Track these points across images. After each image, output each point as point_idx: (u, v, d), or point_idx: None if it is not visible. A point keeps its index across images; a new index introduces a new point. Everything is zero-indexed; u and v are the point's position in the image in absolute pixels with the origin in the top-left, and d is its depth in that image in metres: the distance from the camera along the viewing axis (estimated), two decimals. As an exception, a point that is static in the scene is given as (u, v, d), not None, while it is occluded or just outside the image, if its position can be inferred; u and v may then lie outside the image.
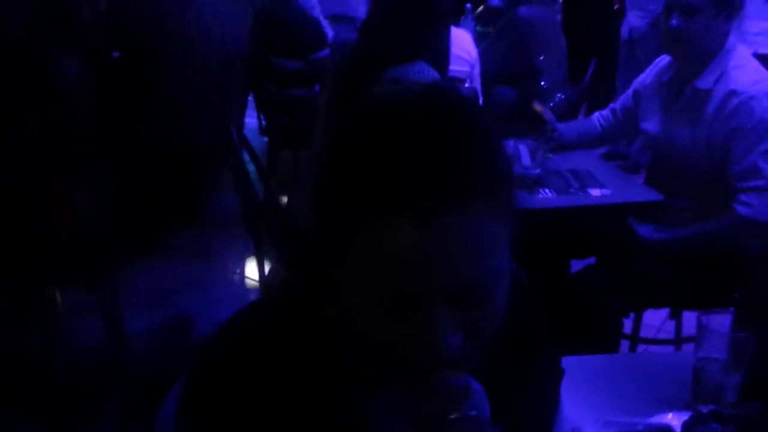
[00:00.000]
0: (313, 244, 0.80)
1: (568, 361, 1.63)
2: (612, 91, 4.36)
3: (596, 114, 2.80)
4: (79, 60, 2.60)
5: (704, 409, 1.26)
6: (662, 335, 2.99)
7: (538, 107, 2.58)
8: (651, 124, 2.47)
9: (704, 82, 2.25)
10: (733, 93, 2.18)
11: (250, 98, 4.59)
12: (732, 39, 2.28)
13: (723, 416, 1.22)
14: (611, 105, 2.74)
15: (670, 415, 1.25)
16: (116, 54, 3.38)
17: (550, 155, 2.57)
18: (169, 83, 3.46)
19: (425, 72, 2.19)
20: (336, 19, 4.37)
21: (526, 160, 2.34)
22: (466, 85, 2.67)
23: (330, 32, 4.12)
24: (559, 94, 3.50)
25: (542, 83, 3.48)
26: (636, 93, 2.59)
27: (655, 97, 2.47)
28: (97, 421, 1.56)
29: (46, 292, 2.31)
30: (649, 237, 2.31)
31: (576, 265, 2.58)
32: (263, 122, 5.15)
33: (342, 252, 0.74)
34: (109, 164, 2.87)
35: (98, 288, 2.58)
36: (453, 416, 0.74)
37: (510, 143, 2.40)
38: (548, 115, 2.62)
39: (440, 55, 2.36)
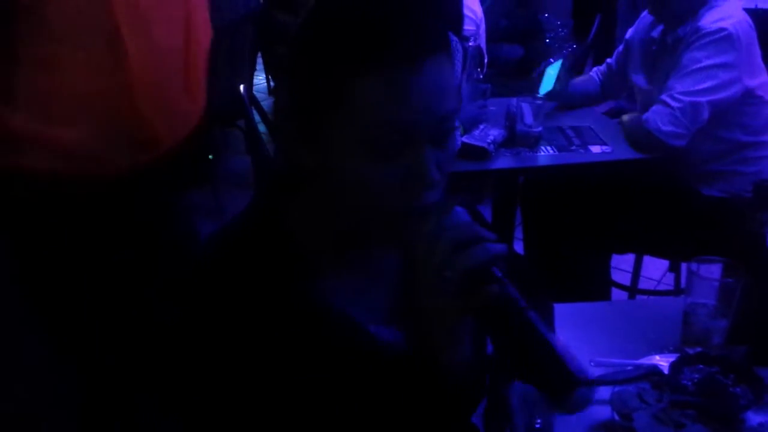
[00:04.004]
0: (291, 128, 0.90)
1: (564, 308, 1.71)
2: (613, 47, 4.37)
3: (594, 69, 2.84)
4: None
5: (692, 351, 1.33)
6: (662, 288, 3.07)
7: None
8: (638, 78, 2.52)
9: (684, 30, 2.29)
10: (696, 30, 2.23)
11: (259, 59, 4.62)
12: None
13: (709, 357, 1.30)
14: (608, 59, 2.79)
15: (657, 357, 1.33)
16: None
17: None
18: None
19: None
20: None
21: (528, 118, 2.38)
22: (471, 43, 2.69)
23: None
24: (564, 52, 3.53)
25: (547, 40, 3.51)
26: (627, 44, 2.64)
27: (642, 51, 2.52)
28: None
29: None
30: None
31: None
32: (272, 83, 5.17)
33: (330, 112, 0.84)
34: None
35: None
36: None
37: (513, 101, 2.44)
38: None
39: (455, 17, 2.38)
